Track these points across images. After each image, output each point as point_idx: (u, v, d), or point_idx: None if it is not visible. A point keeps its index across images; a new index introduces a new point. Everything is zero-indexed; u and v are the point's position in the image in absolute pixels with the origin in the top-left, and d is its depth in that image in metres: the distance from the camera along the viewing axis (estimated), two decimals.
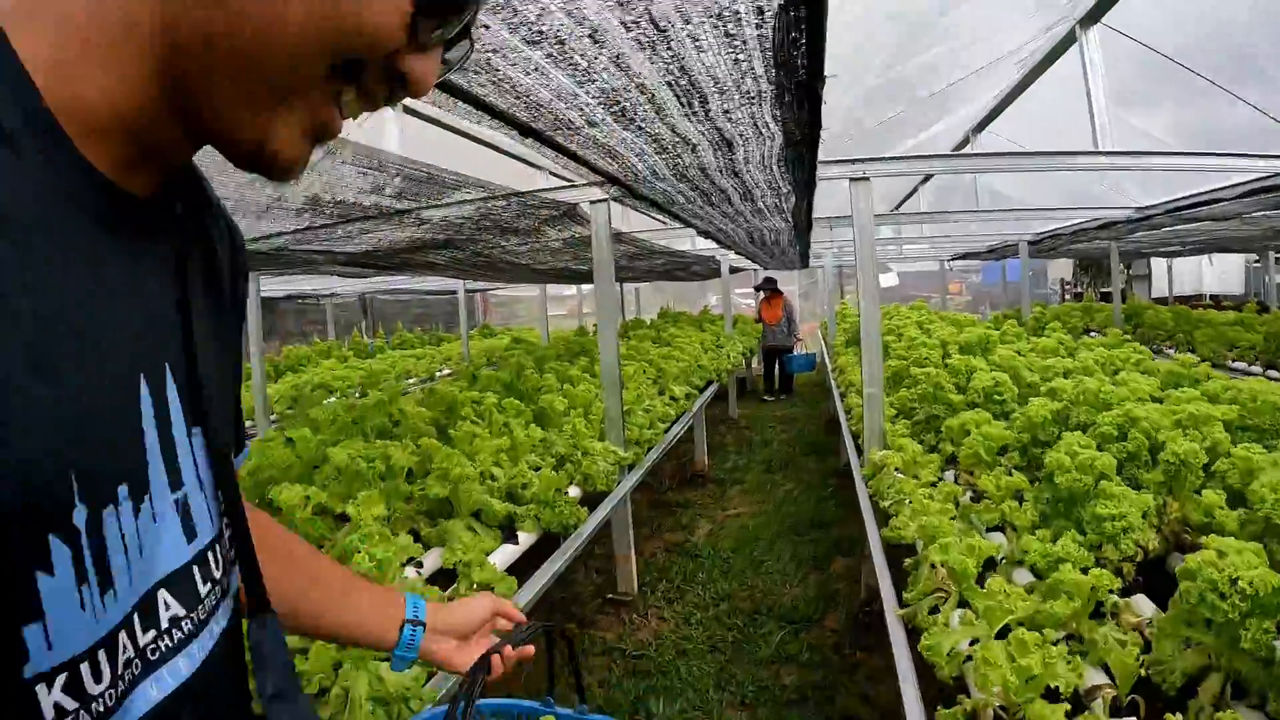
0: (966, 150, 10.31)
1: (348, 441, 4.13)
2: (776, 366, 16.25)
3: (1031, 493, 3.60)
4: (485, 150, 6.80)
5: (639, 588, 6.06)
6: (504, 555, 3.78)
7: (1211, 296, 22.31)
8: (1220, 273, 23.37)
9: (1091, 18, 5.64)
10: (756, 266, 16.05)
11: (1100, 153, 5.52)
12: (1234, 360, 9.08)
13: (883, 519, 4.16)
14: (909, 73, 6.73)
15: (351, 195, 3.79)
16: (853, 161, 4.89)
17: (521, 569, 3.77)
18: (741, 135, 3.39)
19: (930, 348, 7.13)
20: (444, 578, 3.43)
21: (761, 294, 16.40)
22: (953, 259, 18.29)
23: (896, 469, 4.57)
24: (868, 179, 4.94)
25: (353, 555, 3.02)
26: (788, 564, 6.62)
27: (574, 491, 4.68)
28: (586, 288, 26.53)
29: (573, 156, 3.59)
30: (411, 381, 12.90)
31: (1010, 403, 5.06)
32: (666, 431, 6.58)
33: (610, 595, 5.95)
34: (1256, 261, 21.94)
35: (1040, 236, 11.78)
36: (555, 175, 5.70)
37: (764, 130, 3.29)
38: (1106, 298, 23.23)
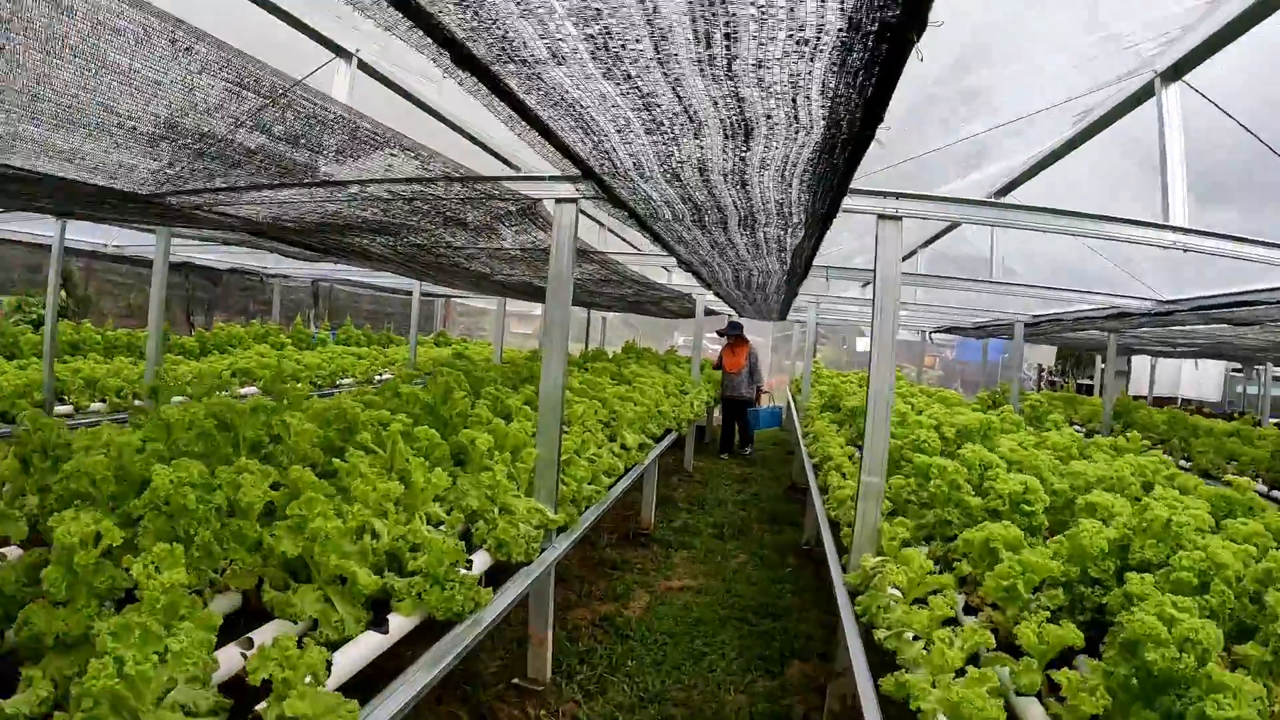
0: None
1: (183, 462, 3.07)
2: (736, 420, 14.99)
3: (1098, 669, 2.59)
4: (462, 141, 5.71)
5: (553, 674, 4.99)
6: (362, 650, 2.74)
7: (1185, 401, 21.87)
8: (1199, 378, 22.93)
9: (1176, 71, 4.68)
10: (730, 311, 15.11)
11: (1171, 227, 4.59)
12: (1234, 474, 8.23)
13: (878, 658, 3.17)
14: (941, 111, 5.79)
15: (223, 127, 2.76)
16: (884, 195, 3.99)
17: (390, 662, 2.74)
18: (769, 117, 2.40)
19: (926, 429, 6.19)
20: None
21: (725, 339, 15.09)
22: (935, 331, 17.44)
23: (895, 586, 3.59)
24: (899, 218, 4.02)
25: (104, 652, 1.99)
26: (734, 661, 5.59)
27: (480, 561, 3.66)
28: None
29: (526, 116, 2.58)
30: (347, 382, 11.81)
31: (1039, 515, 4.11)
32: (611, 487, 5.57)
33: (517, 681, 4.87)
34: (1237, 370, 21.53)
35: (1039, 319, 10.95)
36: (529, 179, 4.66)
37: (802, 111, 2.31)
38: (1083, 390, 22.75)
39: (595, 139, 2.90)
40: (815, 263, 6.17)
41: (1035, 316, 10.96)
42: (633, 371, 9.47)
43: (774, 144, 2.72)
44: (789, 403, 16.68)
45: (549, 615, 4.69)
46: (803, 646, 5.91)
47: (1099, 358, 20.61)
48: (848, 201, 3.67)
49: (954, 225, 8.95)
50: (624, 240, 9.21)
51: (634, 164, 3.14)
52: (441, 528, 3.63)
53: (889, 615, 3.36)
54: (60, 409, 6.97)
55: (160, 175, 3.45)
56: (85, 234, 10.54)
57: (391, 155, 3.27)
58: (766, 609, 6.62)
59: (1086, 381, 23.95)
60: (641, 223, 4.51)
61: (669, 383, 9.82)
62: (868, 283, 15.53)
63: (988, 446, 6.16)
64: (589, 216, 9.13)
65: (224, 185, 3.71)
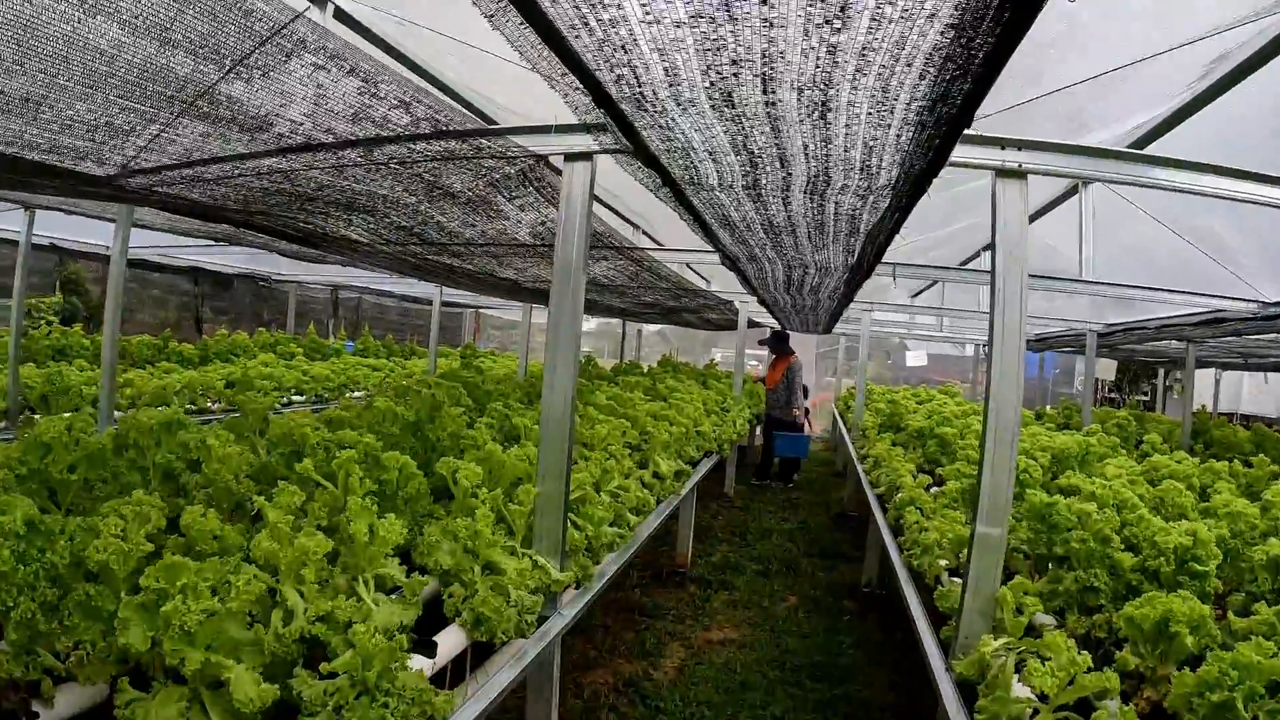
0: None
1: (10, 498, 2.12)
2: (771, 443, 13.48)
3: None
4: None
5: None
6: None
7: (1244, 416, 20.62)
8: (1257, 392, 21.67)
9: None
10: (773, 322, 14.03)
11: None
12: None
13: None
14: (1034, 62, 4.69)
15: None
16: (1003, 144, 2.96)
17: None
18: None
19: (1020, 454, 5.17)
20: None
21: (768, 352, 13.84)
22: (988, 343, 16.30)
23: (1028, 685, 2.53)
24: (1023, 175, 3.00)
25: None
26: None
27: (451, 642, 2.64)
28: (599, 321, 24.69)
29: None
30: (357, 396, 10.85)
31: (1211, 577, 3.05)
32: (640, 527, 4.54)
33: None
34: None
35: (1113, 329, 9.78)
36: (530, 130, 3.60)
37: None
38: (1143, 406, 21.46)
39: (619, 59, 1.92)
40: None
41: (1109, 325, 9.79)
42: (669, 386, 8.45)
43: (884, 26, 1.71)
44: (835, 422, 15.55)
45: (553, 703, 3.62)
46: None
47: (1163, 372, 19.34)
48: (957, 151, 2.63)
49: (1047, 209, 7.92)
50: (656, 242, 8.22)
51: (666, 74, 2.12)
52: (398, 596, 2.62)
53: None
54: None
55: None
56: (91, 235, 9.71)
57: (317, 60, 2.28)
58: (824, 670, 5.56)
59: (1141, 397, 22.68)
60: (678, 193, 3.49)
61: (709, 399, 8.78)
62: (917, 293, 14.47)
63: (1088, 474, 5.12)
64: (619, 214, 8.15)
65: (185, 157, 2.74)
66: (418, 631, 2.55)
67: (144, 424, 3.03)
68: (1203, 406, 14.66)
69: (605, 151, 3.04)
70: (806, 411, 14.11)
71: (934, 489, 5.61)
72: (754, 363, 20.13)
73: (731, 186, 3.32)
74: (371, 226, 4.66)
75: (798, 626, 6.38)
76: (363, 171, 3.38)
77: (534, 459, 3.54)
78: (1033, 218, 7.97)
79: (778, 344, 13.36)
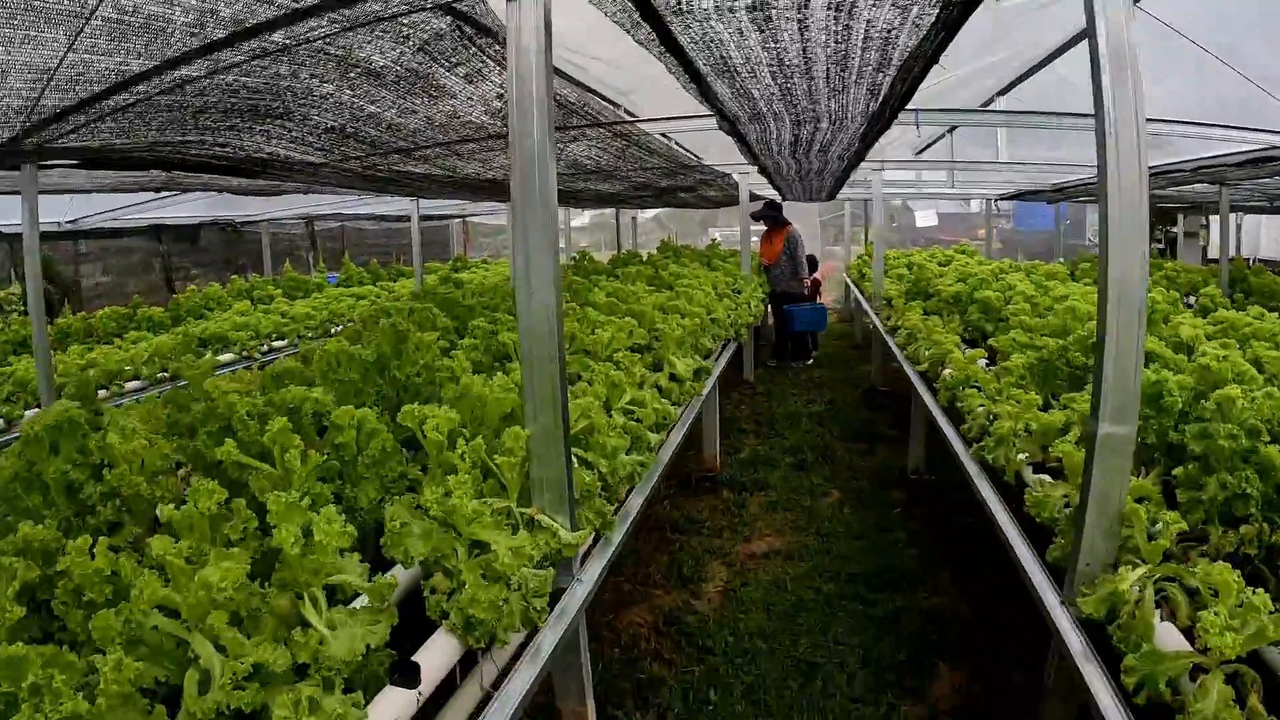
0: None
1: None
2: (783, 322, 12.52)
3: None
4: None
5: None
6: None
7: (1264, 261, 19.83)
8: (1279, 235, 20.83)
9: None
10: (772, 194, 13.16)
11: None
12: None
13: None
14: None
15: None
16: None
17: None
18: None
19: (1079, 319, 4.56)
20: None
21: (761, 224, 12.67)
22: (1003, 198, 15.33)
23: (1202, 648, 1.86)
24: None
25: None
26: (857, 676, 3.94)
27: (440, 655, 1.99)
28: (591, 214, 23.74)
29: None
30: (344, 326, 10.11)
31: None
32: (661, 449, 3.87)
33: None
34: None
35: (1163, 168, 8.93)
36: None
37: None
38: (1162, 254, 20.60)
39: None
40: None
41: (1157, 166, 8.94)
42: (673, 273, 7.70)
43: None
44: (848, 291, 14.79)
45: (585, 684, 2.97)
46: (948, 636, 4.26)
47: (1181, 218, 18.44)
48: None
49: (1048, 60, 7.10)
50: (615, 108, 7.41)
51: None
52: (359, 605, 1.95)
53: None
54: None
55: None
56: (48, 214, 8.98)
57: None
58: (884, 577, 4.95)
59: (1156, 244, 21.84)
60: (661, 29, 2.72)
61: (718, 281, 8.04)
62: (922, 148, 13.54)
63: (1157, 336, 4.44)
64: (596, 93, 7.31)
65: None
66: (397, 640, 1.90)
67: (28, 432, 2.34)
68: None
69: None
70: (816, 284, 13.26)
71: (987, 365, 4.93)
72: (754, 238, 19.22)
73: (732, 9, 2.55)
74: (297, 135, 3.89)
75: (845, 526, 5.76)
76: (250, 60, 2.62)
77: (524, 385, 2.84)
78: (1050, 58, 7.16)
79: (772, 215, 12.38)
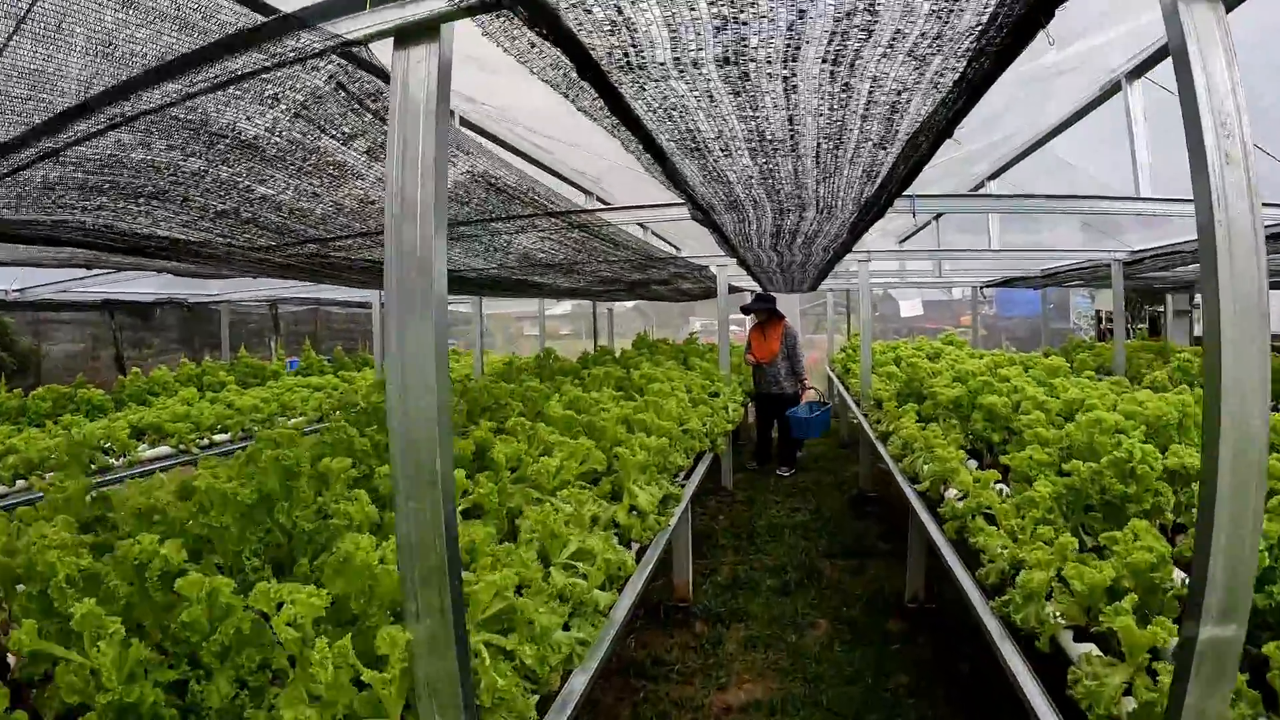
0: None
1: None
2: (775, 427, 11.23)
3: None
4: None
5: None
6: None
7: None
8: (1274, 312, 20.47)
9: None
10: (754, 286, 12.58)
11: None
12: None
13: None
14: None
15: None
16: None
17: None
18: None
19: (1129, 435, 3.93)
20: None
21: (752, 318, 11.56)
22: (987, 285, 14.83)
23: None
24: None
25: None
26: None
27: None
28: (575, 301, 23.06)
29: None
30: (298, 422, 9.35)
31: None
32: (614, 608, 3.15)
33: None
34: None
35: (1140, 255, 8.42)
36: None
37: None
38: (1150, 334, 20.24)
39: None
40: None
41: (1134, 253, 8.46)
42: (645, 375, 7.04)
43: None
44: (833, 386, 14.13)
45: None
46: None
47: (1170, 297, 18.06)
48: None
49: (1045, 140, 6.63)
50: (605, 204, 6.85)
51: None
52: None
53: None
54: None
55: None
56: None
57: None
58: None
59: (1141, 325, 21.48)
60: (606, 89, 2.09)
61: (694, 384, 7.36)
62: (906, 236, 13.06)
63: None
64: (554, 173, 6.74)
65: None
66: None
67: None
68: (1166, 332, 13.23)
69: (463, 13, 1.63)
70: (805, 387, 11.44)
71: (1001, 487, 4.27)
72: (734, 328, 18.55)
73: (697, 63, 1.92)
74: (187, 218, 3.23)
75: (836, 668, 5.02)
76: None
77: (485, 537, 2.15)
78: (1047, 137, 6.69)
79: (765, 308, 11.18)
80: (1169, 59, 1.71)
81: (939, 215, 11.09)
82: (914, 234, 12.87)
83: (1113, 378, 6.94)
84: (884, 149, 2.83)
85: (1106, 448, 4.03)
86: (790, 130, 2.57)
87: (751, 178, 3.35)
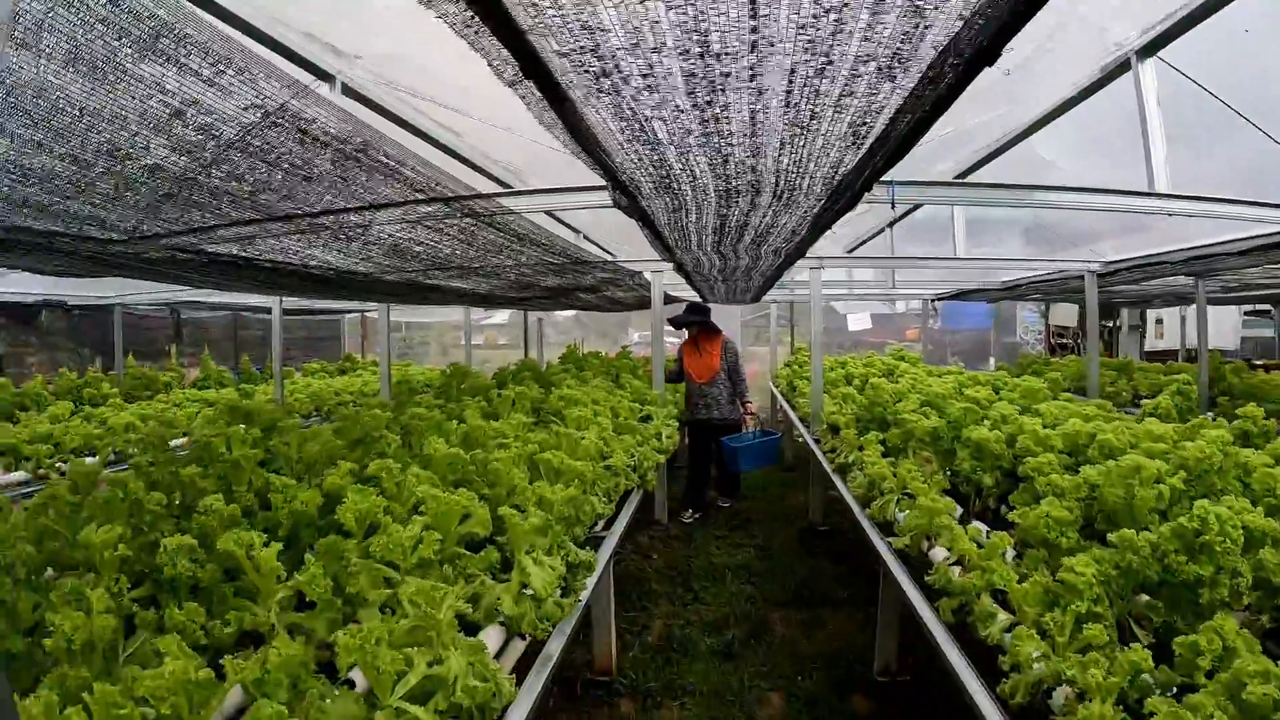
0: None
1: None
2: (715, 459, 9.30)
3: None
4: None
5: None
6: None
7: (1190, 351, 19.18)
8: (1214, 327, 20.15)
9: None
10: (691, 296, 11.55)
11: None
12: None
13: None
14: None
15: None
16: None
17: None
18: None
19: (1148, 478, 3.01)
20: None
21: (683, 332, 9.86)
22: (941, 298, 14.01)
23: None
24: None
25: None
26: None
27: None
28: (508, 313, 21.82)
29: None
30: (181, 443, 8.11)
31: None
32: None
33: None
34: (1256, 313, 18.90)
35: (1115, 267, 7.65)
36: None
37: None
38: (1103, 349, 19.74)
39: None
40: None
41: (1109, 264, 7.70)
42: (564, 398, 6.00)
43: None
44: (776, 403, 13.16)
45: None
46: None
47: (1125, 312, 17.56)
48: None
49: (1022, 136, 5.80)
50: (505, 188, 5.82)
51: None
52: None
53: None
54: None
55: None
56: None
57: None
58: None
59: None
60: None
61: (621, 406, 6.29)
62: (854, 245, 12.18)
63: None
64: (465, 161, 5.70)
65: None
66: None
67: None
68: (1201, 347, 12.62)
69: None
70: (748, 412, 9.47)
71: (1011, 555, 3.32)
72: (673, 340, 17.37)
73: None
74: None
75: None
76: None
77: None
78: (1026, 133, 5.88)
79: (700, 321, 9.46)
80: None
81: (893, 223, 10.27)
82: (863, 243, 12.04)
83: (1094, 401, 6.07)
84: (892, 79, 1.85)
85: (1147, 503, 3.10)
86: (752, 27, 1.58)
87: (689, 133, 2.36)
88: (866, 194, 3.37)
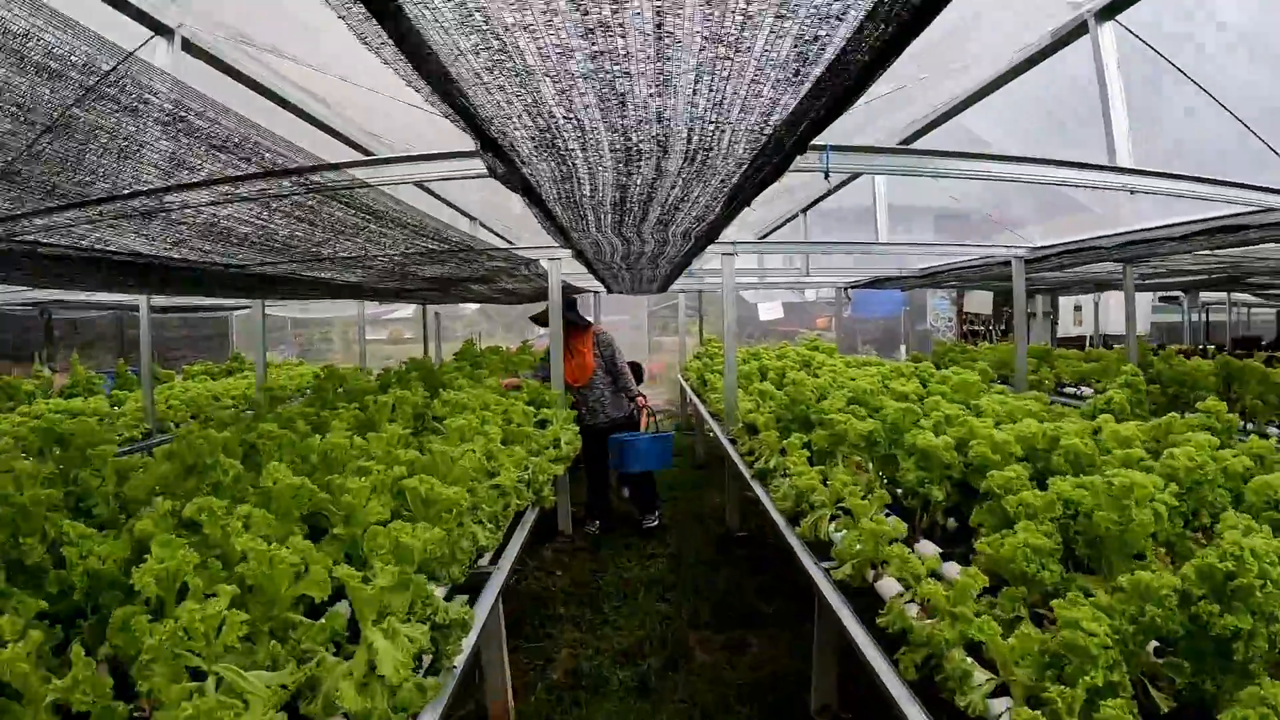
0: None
1: None
2: (610, 464, 8.14)
3: None
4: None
5: None
6: None
7: (1107, 337, 19.29)
8: (1115, 312, 20.35)
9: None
10: (597, 286, 10.93)
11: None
12: None
13: None
14: None
15: None
16: None
17: None
18: None
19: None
20: None
21: (540, 331, 8.84)
22: (859, 285, 13.51)
23: None
24: None
25: None
26: None
27: None
28: (428, 307, 20.79)
29: None
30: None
31: None
32: None
33: None
34: (1167, 300, 19.08)
35: (1043, 252, 7.22)
36: None
37: None
38: (1005, 334, 19.70)
39: None
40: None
41: (1037, 249, 7.28)
42: (449, 402, 5.29)
43: None
44: (687, 396, 12.51)
45: None
46: None
47: (1041, 299, 17.48)
48: None
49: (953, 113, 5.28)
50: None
51: None
52: None
53: None
54: None
55: None
56: None
57: None
58: None
59: (999, 327, 21.02)
60: None
61: (515, 411, 5.56)
62: (767, 231, 11.65)
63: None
64: (321, 126, 4.97)
65: None
66: None
67: None
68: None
69: None
70: (639, 408, 8.48)
71: (988, 602, 2.73)
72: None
73: None
74: None
75: None
76: None
77: None
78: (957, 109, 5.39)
79: (565, 317, 7.79)
80: None
81: (807, 209, 9.75)
82: (775, 229, 11.53)
83: (1030, 394, 5.60)
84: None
85: (1146, 528, 2.55)
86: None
87: (569, 54, 1.70)
88: (799, 157, 2.76)
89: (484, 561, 3.65)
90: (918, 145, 5.93)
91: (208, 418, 5.66)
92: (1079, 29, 4.14)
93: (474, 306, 20.00)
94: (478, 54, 1.71)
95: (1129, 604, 2.14)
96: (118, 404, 9.91)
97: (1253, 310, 20.54)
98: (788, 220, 10.36)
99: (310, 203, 3.17)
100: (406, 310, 20.78)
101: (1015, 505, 2.87)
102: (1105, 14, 4.00)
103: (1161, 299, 19.32)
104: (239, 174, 2.85)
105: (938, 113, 5.50)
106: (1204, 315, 19.27)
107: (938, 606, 2.52)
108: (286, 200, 3.12)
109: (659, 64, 1.76)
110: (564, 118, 2.16)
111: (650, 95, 1.98)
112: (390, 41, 1.60)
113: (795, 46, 1.66)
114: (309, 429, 4.49)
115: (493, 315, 22.95)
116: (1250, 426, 6.39)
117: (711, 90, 1.95)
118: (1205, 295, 17.17)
